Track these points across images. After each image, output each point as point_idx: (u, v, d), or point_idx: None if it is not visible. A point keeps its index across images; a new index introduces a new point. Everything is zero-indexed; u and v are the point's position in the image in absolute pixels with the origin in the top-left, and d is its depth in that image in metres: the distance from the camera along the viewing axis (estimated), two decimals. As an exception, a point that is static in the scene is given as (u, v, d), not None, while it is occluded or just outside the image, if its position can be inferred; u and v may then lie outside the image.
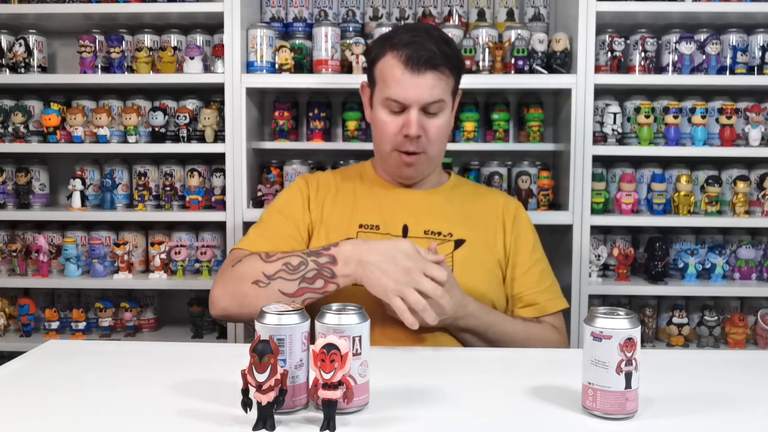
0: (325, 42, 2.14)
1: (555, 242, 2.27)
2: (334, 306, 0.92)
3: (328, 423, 0.82)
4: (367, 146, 2.16)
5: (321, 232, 1.40)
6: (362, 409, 0.89)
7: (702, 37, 2.15)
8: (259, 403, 0.81)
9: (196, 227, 2.29)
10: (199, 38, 2.24)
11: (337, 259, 1.21)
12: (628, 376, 0.85)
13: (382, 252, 1.18)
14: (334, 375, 0.81)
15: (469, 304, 1.26)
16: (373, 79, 1.40)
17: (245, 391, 0.83)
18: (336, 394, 0.81)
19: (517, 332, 1.33)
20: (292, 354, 0.87)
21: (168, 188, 2.24)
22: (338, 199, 1.45)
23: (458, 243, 1.39)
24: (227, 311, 1.29)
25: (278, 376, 0.81)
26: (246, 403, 0.83)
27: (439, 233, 1.39)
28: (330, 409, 0.82)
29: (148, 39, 2.25)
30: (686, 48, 2.10)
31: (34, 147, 2.23)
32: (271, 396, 0.81)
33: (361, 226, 1.39)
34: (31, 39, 2.21)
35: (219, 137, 2.17)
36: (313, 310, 0.94)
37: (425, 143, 1.36)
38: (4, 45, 2.22)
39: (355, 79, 2.10)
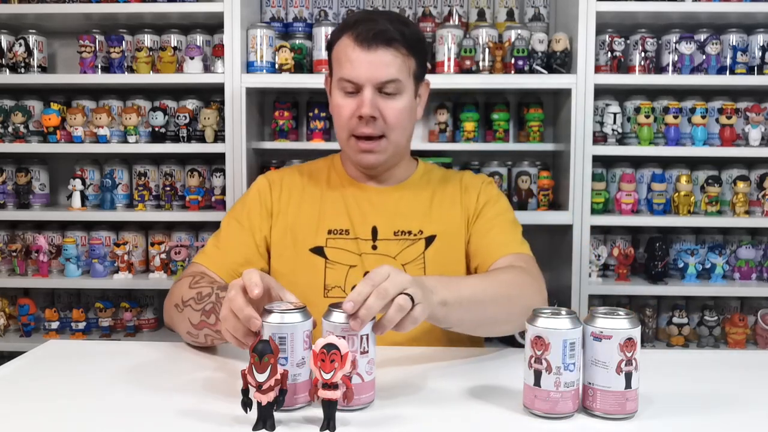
0: (325, 42, 2.14)
1: (555, 242, 2.27)
2: (339, 305, 0.91)
3: (328, 423, 0.82)
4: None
5: (287, 239, 1.35)
6: (368, 407, 0.89)
7: (702, 37, 2.15)
8: (259, 403, 0.82)
9: (196, 227, 2.29)
10: (199, 38, 2.24)
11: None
12: (628, 376, 0.85)
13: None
14: (334, 375, 0.81)
15: (438, 291, 1.02)
16: (331, 66, 1.36)
17: (245, 391, 0.83)
18: (336, 394, 0.81)
19: (487, 292, 1.13)
20: (294, 352, 0.87)
21: (168, 188, 2.24)
22: (304, 201, 1.39)
23: (429, 240, 1.34)
24: (168, 326, 1.30)
25: (278, 376, 0.81)
26: (246, 403, 0.83)
27: (409, 232, 1.34)
28: (330, 409, 0.82)
29: (148, 39, 2.25)
30: (686, 48, 2.10)
31: (34, 147, 2.23)
32: (271, 396, 0.81)
33: (330, 231, 1.34)
34: (31, 39, 2.21)
35: (219, 137, 2.17)
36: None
37: (383, 126, 1.28)
38: (4, 45, 2.22)
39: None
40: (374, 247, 1.33)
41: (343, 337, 0.86)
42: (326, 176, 1.43)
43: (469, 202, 1.38)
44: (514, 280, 1.21)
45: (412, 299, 0.91)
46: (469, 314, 1.08)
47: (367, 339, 0.88)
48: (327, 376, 0.81)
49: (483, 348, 1.33)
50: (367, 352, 0.88)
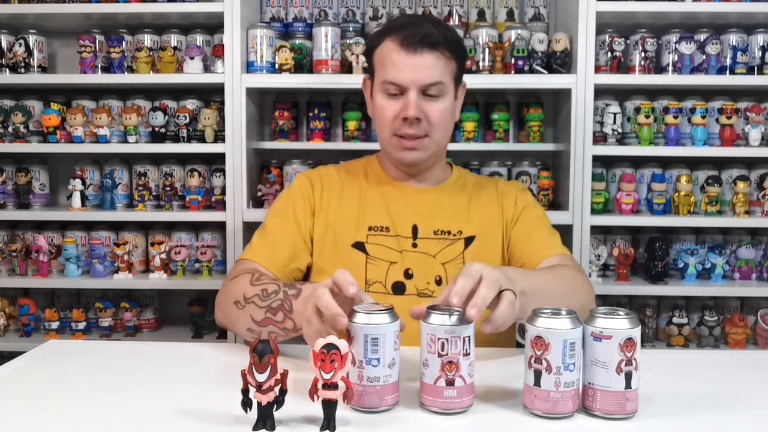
0: (325, 42, 2.14)
1: (555, 242, 2.27)
2: (440, 307, 0.91)
3: (328, 423, 0.82)
4: (367, 146, 2.16)
5: (328, 235, 1.38)
6: (467, 410, 0.89)
7: (702, 37, 2.15)
8: (259, 403, 0.82)
9: (196, 227, 2.29)
10: (199, 38, 2.24)
11: (301, 293, 1.10)
12: (628, 376, 0.85)
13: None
14: (334, 375, 0.81)
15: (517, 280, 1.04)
16: (372, 68, 1.38)
17: (245, 391, 0.83)
18: (336, 394, 0.81)
19: (555, 286, 1.19)
20: (386, 353, 0.88)
21: (168, 188, 2.24)
22: (344, 199, 1.41)
23: (468, 240, 1.38)
24: (221, 323, 1.29)
25: (278, 376, 0.81)
26: (246, 403, 0.83)
27: (449, 232, 1.38)
28: (330, 409, 0.82)
29: (148, 39, 2.25)
30: (686, 48, 2.10)
31: (34, 147, 2.23)
32: (271, 396, 0.81)
33: (370, 228, 1.37)
34: (31, 39, 2.21)
35: (219, 137, 2.17)
36: None
37: (426, 127, 1.31)
38: (4, 45, 2.22)
39: (355, 79, 2.10)
40: (414, 245, 1.36)
41: (446, 340, 0.87)
42: (364, 174, 1.46)
43: (507, 206, 1.43)
44: (573, 278, 1.27)
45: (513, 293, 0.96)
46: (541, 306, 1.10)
47: (469, 341, 0.88)
48: (327, 376, 0.81)
49: (483, 348, 1.33)
50: (469, 354, 0.88)
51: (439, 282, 1.34)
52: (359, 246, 1.36)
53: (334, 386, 0.81)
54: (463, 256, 1.36)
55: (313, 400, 0.83)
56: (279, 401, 0.82)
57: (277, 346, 0.82)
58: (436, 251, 1.36)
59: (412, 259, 1.34)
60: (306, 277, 1.40)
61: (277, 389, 0.81)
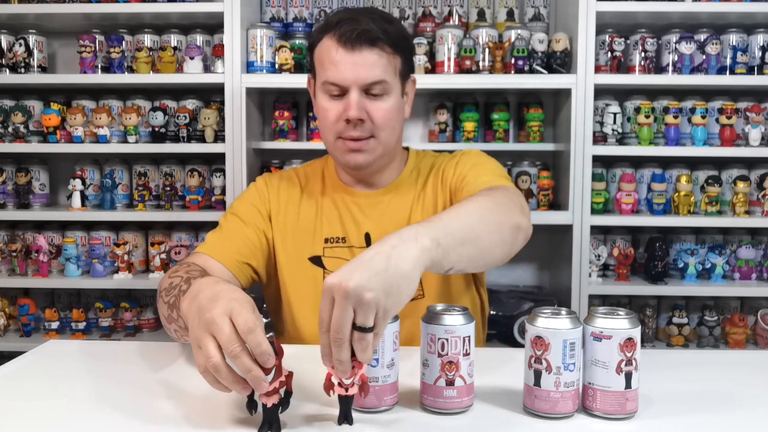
0: (325, 42, 2.13)
1: (555, 242, 2.27)
2: (439, 307, 0.91)
3: (345, 417, 0.82)
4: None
5: (288, 242, 1.33)
6: (467, 410, 0.89)
7: (702, 37, 2.15)
8: (264, 405, 0.81)
9: (196, 227, 2.29)
10: (199, 38, 2.24)
11: (189, 289, 0.93)
12: (628, 376, 0.85)
13: (210, 293, 0.87)
14: (350, 373, 0.81)
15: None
16: (313, 68, 1.29)
17: (250, 393, 0.82)
18: (353, 390, 0.81)
19: (471, 215, 1.01)
20: (384, 354, 0.87)
21: (168, 188, 2.24)
22: (302, 207, 1.36)
23: None
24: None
25: (283, 378, 0.80)
26: (251, 405, 0.82)
27: None
28: (346, 404, 0.82)
29: (148, 39, 2.25)
30: (686, 48, 2.10)
31: (34, 147, 2.23)
32: (276, 398, 0.80)
33: (326, 240, 1.32)
34: (31, 39, 2.21)
35: (219, 137, 2.17)
36: None
37: (371, 128, 1.23)
38: (4, 45, 2.22)
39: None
40: None
41: (446, 340, 0.86)
42: (321, 180, 1.40)
43: (447, 175, 1.32)
44: (489, 194, 1.11)
45: (362, 329, 0.79)
46: (465, 247, 0.95)
47: (469, 341, 0.88)
48: (347, 382, 0.81)
49: (483, 348, 1.33)
50: (469, 354, 0.88)
51: None
52: (316, 260, 1.31)
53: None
54: None
55: (329, 395, 0.83)
56: (284, 403, 0.82)
57: (281, 347, 0.81)
58: None
59: None
60: (268, 286, 1.37)
61: (282, 391, 0.81)
